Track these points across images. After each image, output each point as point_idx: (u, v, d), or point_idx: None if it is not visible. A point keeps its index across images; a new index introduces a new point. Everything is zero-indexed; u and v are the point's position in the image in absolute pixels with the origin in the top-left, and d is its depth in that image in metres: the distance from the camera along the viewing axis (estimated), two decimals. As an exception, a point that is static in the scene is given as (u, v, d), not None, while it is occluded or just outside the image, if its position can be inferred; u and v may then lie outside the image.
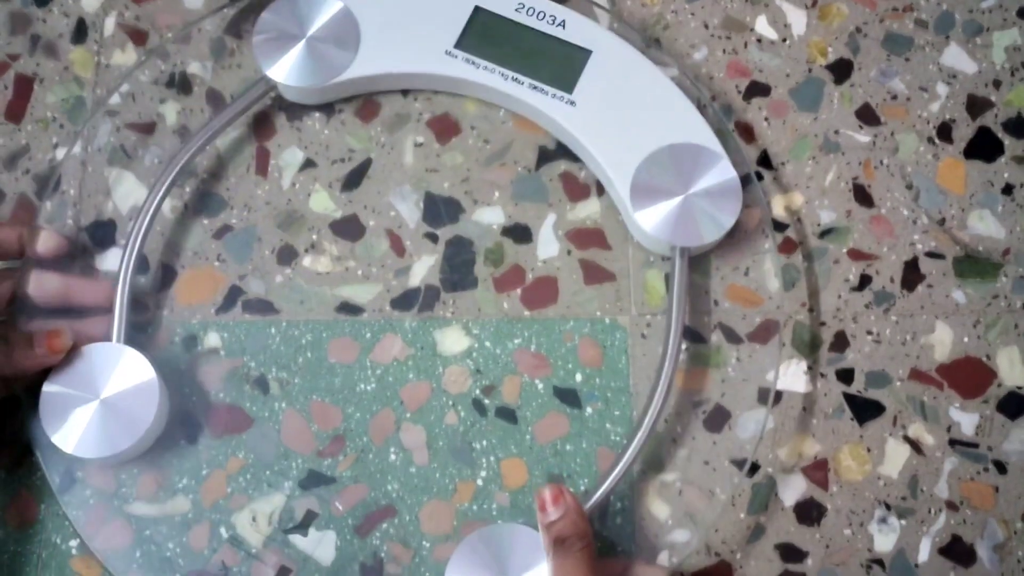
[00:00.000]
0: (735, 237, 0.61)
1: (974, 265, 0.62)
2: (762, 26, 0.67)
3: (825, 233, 0.62)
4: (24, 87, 0.66)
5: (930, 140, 0.64)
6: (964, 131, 0.64)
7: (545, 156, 0.64)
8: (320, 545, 0.57)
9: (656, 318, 0.61)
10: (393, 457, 0.58)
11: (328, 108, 0.65)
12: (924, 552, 0.57)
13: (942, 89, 0.65)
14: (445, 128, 0.64)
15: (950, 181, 0.63)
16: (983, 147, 0.64)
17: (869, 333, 0.61)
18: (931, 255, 0.62)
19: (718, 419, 0.59)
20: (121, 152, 0.64)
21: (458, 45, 0.63)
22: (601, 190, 0.63)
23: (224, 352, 0.60)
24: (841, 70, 0.66)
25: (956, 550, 0.57)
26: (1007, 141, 0.64)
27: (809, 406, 0.59)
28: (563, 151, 0.64)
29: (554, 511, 0.52)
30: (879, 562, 0.57)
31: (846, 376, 0.60)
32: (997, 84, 0.65)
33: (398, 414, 0.59)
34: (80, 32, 0.67)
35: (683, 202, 0.59)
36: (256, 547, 0.57)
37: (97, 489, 0.58)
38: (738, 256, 0.62)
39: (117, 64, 0.66)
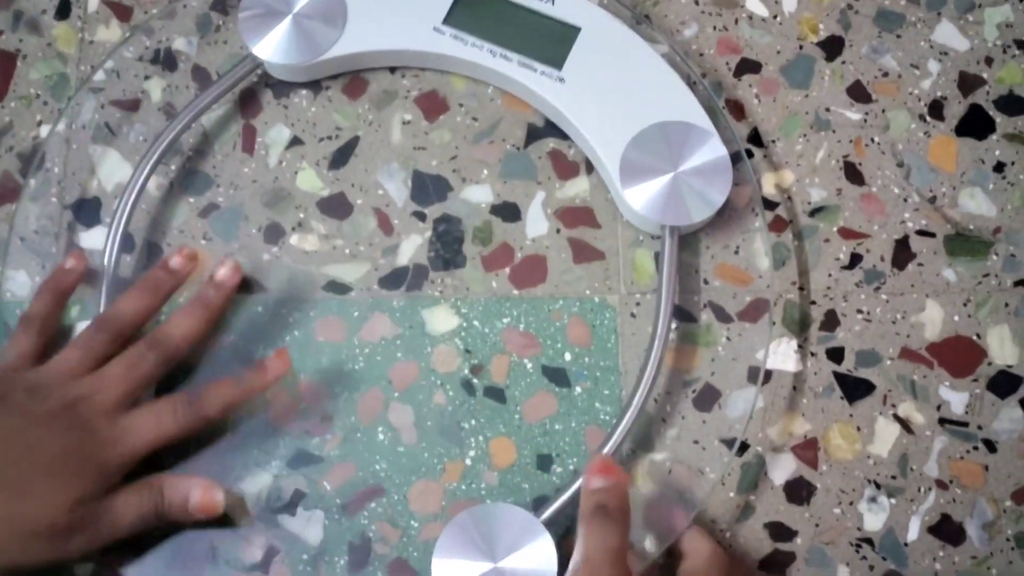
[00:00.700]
0: (725, 215, 0.61)
1: (965, 243, 0.61)
2: (753, 3, 0.66)
3: (816, 211, 0.62)
4: (7, 64, 0.65)
5: (921, 118, 0.64)
6: (955, 108, 0.64)
7: (534, 134, 0.63)
8: (308, 525, 0.57)
9: (645, 297, 0.60)
10: (381, 436, 0.58)
11: (315, 85, 0.64)
12: (913, 531, 0.57)
13: (934, 66, 0.65)
14: (433, 106, 0.64)
15: (941, 159, 0.63)
16: (974, 125, 0.64)
17: (859, 312, 0.60)
18: (922, 233, 0.62)
19: (708, 398, 0.59)
20: (106, 129, 0.63)
21: (446, 21, 0.62)
22: (590, 168, 0.62)
23: (210, 331, 0.60)
24: (832, 47, 0.65)
25: (945, 529, 0.57)
26: (999, 119, 0.64)
27: (799, 385, 0.59)
28: (552, 129, 0.63)
29: (602, 480, 0.52)
30: (868, 541, 0.57)
31: (836, 355, 0.60)
32: (989, 61, 0.65)
33: (386, 393, 0.59)
34: (64, 8, 0.66)
35: (672, 180, 0.58)
36: (244, 527, 0.57)
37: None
38: (728, 234, 0.61)
39: (101, 40, 0.66)
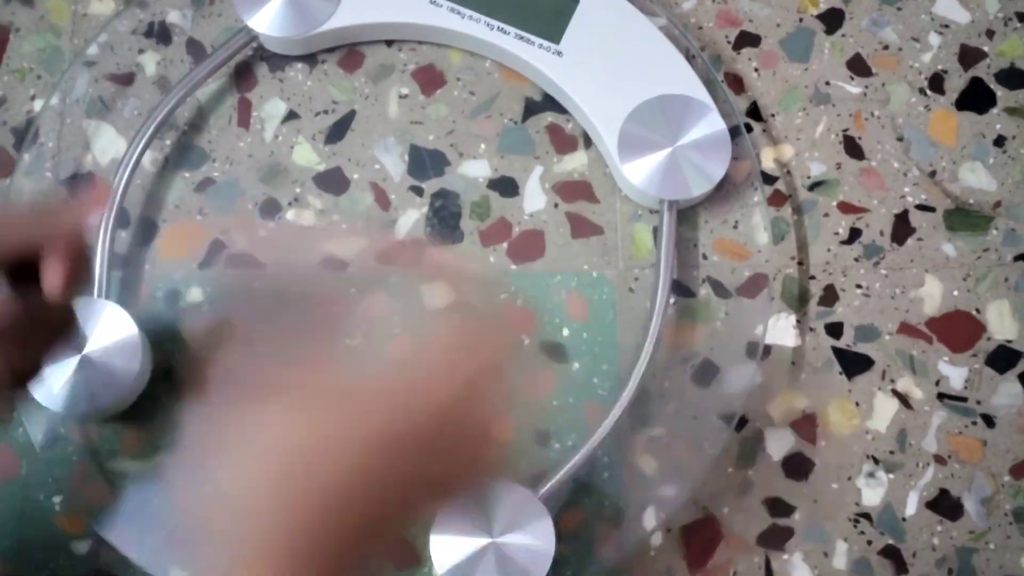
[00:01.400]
0: (724, 190, 0.61)
1: (965, 218, 0.61)
2: (752, -25, 0.66)
3: (815, 186, 0.62)
4: (0, 36, 0.64)
5: (922, 91, 0.63)
6: (956, 82, 0.64)
7: (531, 108, 0.63)
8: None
9: (644, 272, 0.60)
10: (379, 412, 0.58)
11: (311, 59, 0.64)
12: (911, 506, 0.57)
13: (934, 39, 0.64)
14: (430, 79, 0.63)
15: (941, 133, 0.63)
16: (975, 98, 0.63)
17: (859, 287, 0.60)
18: (922, 208, 0.61)
19: (706, 373, 0.58)
20: (100, 104, 0.63)
21: (443, -6, 0.62)
22: (588, 142, 0.62)
23: (207, 307, 0.59)
24: (832, 20, 0.65)
25: (943, 504, 0.57)
26: (999, 92, 0.63)
27: (798, 360, 0.59)
28: (550, 103, 0.63)
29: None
30: (867, 516, 0.57)
31: (835, 330, 0.60)
32: (990, 34, 0.64)
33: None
34: (56, -20, 0.66)
35: (671, 155, 0.58)
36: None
37: (80, 445, 0.57)
38: (727, 209, 0.61)
39: (94, 13, 0.65)
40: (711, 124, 0.58)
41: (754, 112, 0.63)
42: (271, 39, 0.61)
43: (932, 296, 0.60)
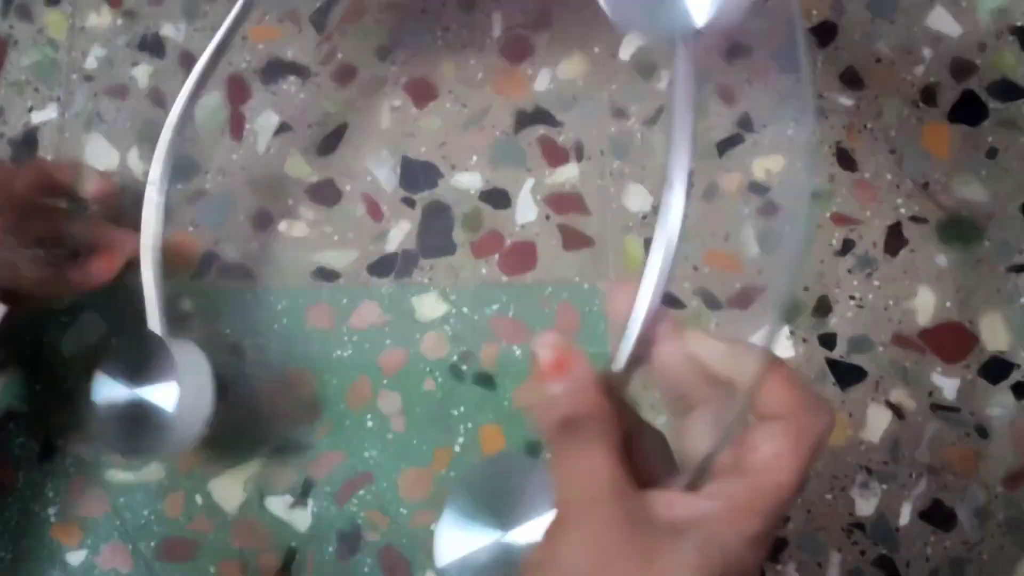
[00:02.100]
0: (715, 200, 0.61)
1: (958, 229, 0.61)
2: (745, -12, 0.66)
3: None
4: (-4, 51, 0.65)
5: (914, 103, 0.63)
6: (949, 94, 0.64)
7: (523, 120, 0.63)
8: (297, 512, 0.57)
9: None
10: (370, 424, 0.58)
11: (304, 71, 0.64)
12: (905, 516, 0.57)
13: (927, 52, 0.64)
14: (422, 92, 0.63)
15: (934, 145, 0.63)
16: (968, 110, 0.63)
17: (852, 298, 0.60)
18: (914, 219, 0.61)
19: (697, 384, 0.58)
20: (96, 116, 0.63)
21: None
22: (580, 154, 0.62)
23: (199, 318, 0.60)
24: (825, 32, 0.65)
25: (937, 514, 0.57)
26: (992, 104, 0.63)
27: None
28: (542, 115, 0.63)
29: (563, 381, 0.36)
30: (860, 526, 0.57)
31: (828, 341, 0.59)
32: (982, 47, 0.64)
33: (375, 380, 0.59)
34: (53, -5, 0.66)
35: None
36: (232, 514, 0.57)
37: (76, 457, 0.57)
38: (718, 220, 0.61)
39: (92, 27, 0.65)
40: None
41: (746, 123, 0.63)
42: None
43: (925, 307, 0.60)
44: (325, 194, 0.62)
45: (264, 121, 0.63)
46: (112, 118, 0.63)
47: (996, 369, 0.59)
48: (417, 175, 0.62)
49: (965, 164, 0.62)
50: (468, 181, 0.62)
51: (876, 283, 0.60)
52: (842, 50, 0.65)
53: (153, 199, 0.54)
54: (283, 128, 0.63)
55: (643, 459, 0.36)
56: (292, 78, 0.64)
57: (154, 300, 0.53)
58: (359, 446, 0.58)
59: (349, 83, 0.64)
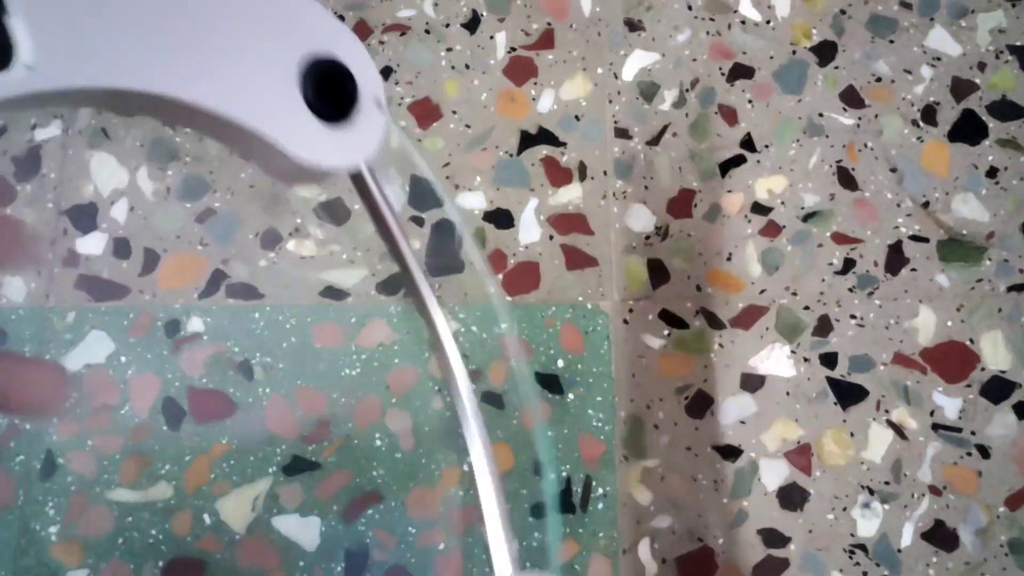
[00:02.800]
0: (717, 221, 0.61)
1: (958, 249, 0.62)
2: (746, 8, 0.66)
3: (809, 216, 0.62)
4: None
5: (914, 123, 0.64)
6: (948, 114, 0.64)
7: (527, 141, 0.63)
8: (305, 531, 0.57)
9: (639, 303, 0.60)
10: (378, 442, 0.58)
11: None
12: (907, 537, 0.57)
13: (926, 71, 0.65)
14: (427, 112, 0.64)
15: (934, 164, 0.63)
16: (967, 130, 0.64)
17: (853, 317, 0.61)
18: (915, 238, 0.62)
19: (700, 405, 0.59)
20: (101, 133, 0.63)
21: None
22: (583, 175, 0.63)
23: (207, 337, 0.60)
24: (825, 52, 0.65)
25: (939, 534, 0.57)
26: (991, 124, 0.64)
27: (792, 391, 0.59)
28: (544, 136, 0.63)
29: None
30: (862, 547, 0.57)
31: (829, 360, 0.60)
32: (982, 66, 0.65)
33: (383, 399, 0.59)
34: None
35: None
36: (240, 533, 0.57)
37: (78, 475, 0.58)
38: (720, 241, 0.61)
39: (97, 47, 0.66)
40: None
41: (748, 143, 0.64)
42: None
43: (926, 326, 0.60)
44: (333, 213, 0.62)
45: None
46: (120, 136, 0.63)
47: (997, 389, 0.59)
48: (425, 194, 0.62)
49: (965, 183, 0.63)
50: (472, 201, 0.62)
51: (877, 302, 0.61)
52: (842, 69, 0.65)
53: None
54: (289, 149, 0.63)
55: None
56: (298, 99, 0.64)
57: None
58: (367, 465, 0.58)
59: (355, 103, 0.64)
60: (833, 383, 0.59)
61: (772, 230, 0.62)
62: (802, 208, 0.62)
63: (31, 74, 0.36)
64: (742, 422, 0.58)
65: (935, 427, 0.59)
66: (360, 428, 0.59)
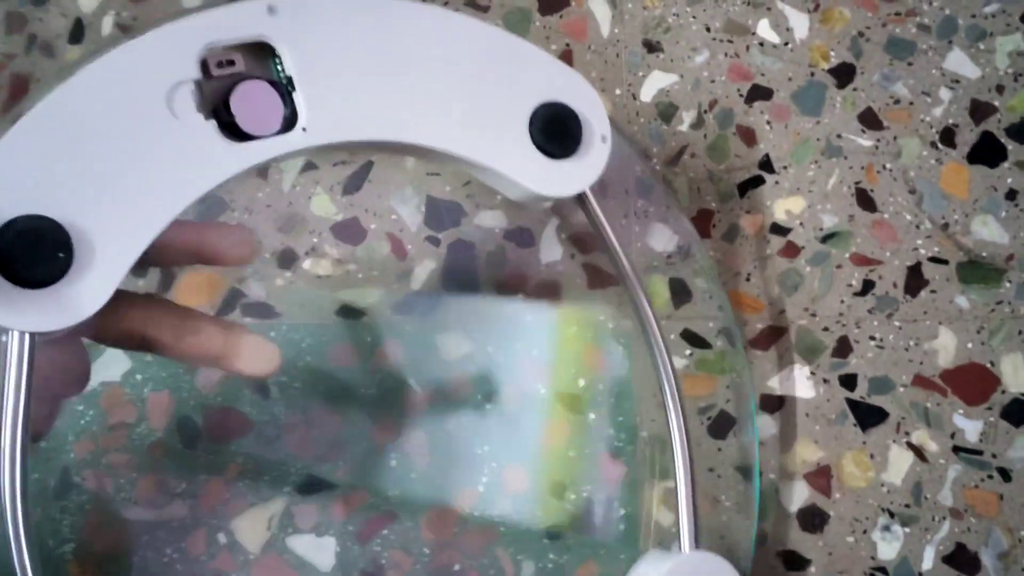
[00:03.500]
0: (736, 242, 0.61)
1: (978, 270, 0.62)
2: (764, 29, 0.66)
3: (827, 238, 0.62)
4: (20, 87, 0.65)
5: (933, 145, 0.64)
6: (967, 136, 0.64)
7: (547, 159, 0.63)
8: (320, 551, 0.57)
9: (662, 323, 0.60)
10: (394, 463, 0.58)
11: (328, 110, 0.64)
12: (928, 560, 0.57)
13: (945, 94, 0.65)
14: (446, 131, 0.64)
15: (953, 186, 0.63)
16: (986, 152, 0.64)
17: (872, 338, 0.60)
18: (934, 260, 0.62)
19: (722, 425, 0.59)
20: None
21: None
22: (604, 193, 0.62)
23: (223, 356, 0.60)
24: (843, 74, 0.66)
25: (960, 558, 0.57)
26: (1010, 146, 0.64)
27: (812, 412, 0.59)
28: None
29: None
30: (882, 570, 0.57)
31: (849, 382, 0.60)
32: (1000, 89, 0.65)
33: (399, 419, 0.59)
34: (77, 32, 0.66)
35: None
36: (255, 553, 0.57)
37: (94, 493, 0.57)
38: (739, 261, 0.61)
39: (115, 64, 0.66)
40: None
41: (766, 164, 0.64)
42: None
43: (946, 348, 0.60)
44: (350, 232, 0.62)
45: (290, 159, 0.63)
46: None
47: (1018, 411, 0.59)
48: (441, 214, 0.62)
49: (984, 205, 0.63)
50: (492, 220, 0.62)
51: (897, 324, 0.61)
52: (860, 91, 0.65)
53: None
54: (309, 166, 0.63)
55: None
56: (317, 117, 0.64)
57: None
58: (383, 485, 0.58)
59: (373, 122, 0.64)
60: (853, 404, 0.59)
61: (791, 251, 0.62)
62: (821, 229, 0.62)
63: (305, 135, 0.41)
64: (761, 443, 0.58)
65: (956, 449, 0.59)
66: (376, 448, 0.58)
